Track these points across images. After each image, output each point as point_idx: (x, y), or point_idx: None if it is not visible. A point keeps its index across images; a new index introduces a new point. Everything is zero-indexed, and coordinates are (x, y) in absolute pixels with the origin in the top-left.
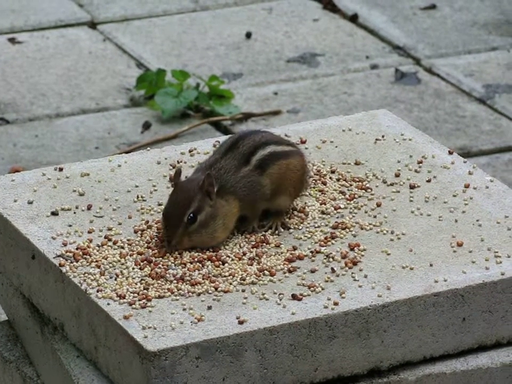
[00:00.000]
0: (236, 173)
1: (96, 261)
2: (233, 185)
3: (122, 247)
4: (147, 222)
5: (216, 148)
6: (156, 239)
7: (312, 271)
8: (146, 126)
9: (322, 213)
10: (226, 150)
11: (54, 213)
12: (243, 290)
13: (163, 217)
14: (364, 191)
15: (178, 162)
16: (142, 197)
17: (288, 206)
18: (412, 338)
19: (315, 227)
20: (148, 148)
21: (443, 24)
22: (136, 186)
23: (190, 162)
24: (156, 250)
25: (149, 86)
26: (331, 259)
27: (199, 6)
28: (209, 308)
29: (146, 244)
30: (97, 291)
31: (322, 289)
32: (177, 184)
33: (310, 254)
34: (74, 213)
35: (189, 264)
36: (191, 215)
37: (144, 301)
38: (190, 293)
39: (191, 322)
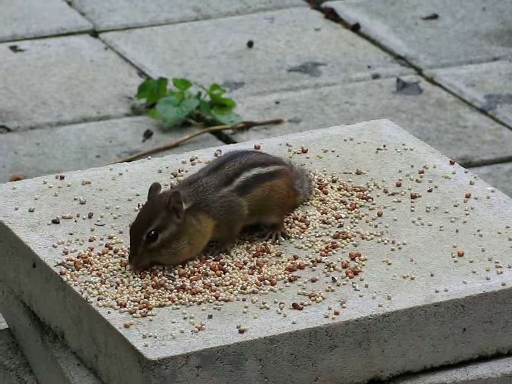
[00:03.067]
0: (215, 192)
1: (97, 270)
2: (209, 205)
3: (123, 256)
4: None
5: (203, 167)
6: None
7: (313, 281)
8: (148, 134)
9: (323, 222)
10: (210, 170)
11: (55, 221)
12: (244, 300)
13: (129, 232)
14: (365, 200)
15: (179, 171)
16: (143, 205)
17: (280, 221)
18: (412, 348)
19: (316, 236)
20: (149, 157)
21: (445, 34)
22: (137, 195)
23: (191, 171)
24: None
25: (151, 95)
26: (332, 268)
27: (201, 15)
28: (210, 316)
29: None
30: (98, 299)
31: (323, 298)
32: (148, 199)
33: (311, 263)
34: (75, 221)
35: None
36: (152, 233)
37: (144, 309)
38: (190, 302)
39: (192, 331)
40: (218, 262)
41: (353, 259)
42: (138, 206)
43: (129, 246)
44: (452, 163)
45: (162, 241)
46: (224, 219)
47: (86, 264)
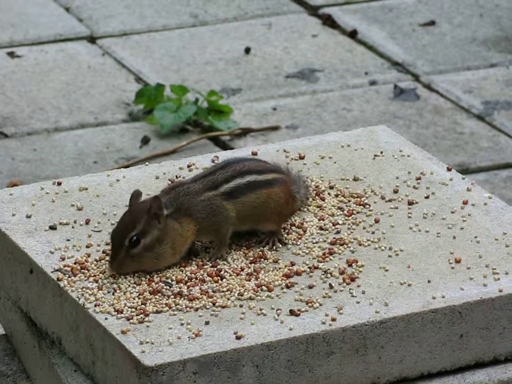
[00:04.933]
0: (196, 196)
1: (94, 276)
2: (190, 208)
3: None
4: None
5: (196, 173)
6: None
7: (310, 287)
8: (145, 140)
9: (321, 228)
10: (200, 177)
11: (52, 227)
12: (241, 306)
13: (110, 237)
14: (362, 207)
15: (176, 177)
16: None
17: (277, 229)
18: (409, 355)
19: (313, 243)
20: (147, 163)
21: (442, 40)
22: None
23: (188, 177)
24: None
25: (148, 101)
26: (329, 275)
27: (198, 21)
28: (207, 323)
29: None
30: (95, 305)
31: (320, 305)
32: (130, 206)
33: (308, 269)
34: (73, 227)
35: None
36: (135, 238)
37: (141, 315)
38: (187, 308)
39: (189, 337)
40: (215, 268)
41: (350, 265)
42: None
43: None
44: (449, 169)
45: (144, 246)
46: (208, 222)
47: (83, 270)
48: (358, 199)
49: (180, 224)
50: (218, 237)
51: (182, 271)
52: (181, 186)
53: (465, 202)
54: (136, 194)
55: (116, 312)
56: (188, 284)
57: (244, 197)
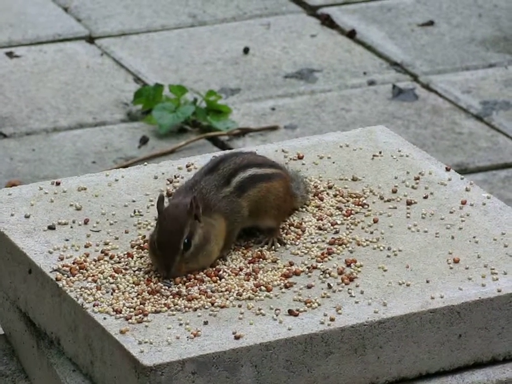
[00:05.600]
0: (218, 193)
1: (93, 276)
2: (217, 204)
3: (119, 262)
4: (144, 236)
5: (196, 171)
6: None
7: (309, 287)
8: (144, 140)
9: (319, 228)
10: (205, 172)
11: (51, 227)
12: (239, 306)
13: (157, 246)
14: (360, 207)
15: (175, 177)
16: (139, 211)
17: (277, 226)
18: (407, 355)
19: (312, 243)
20: (145, 163)
21: (441, 40)
22: (133, 201)
23: (187, 178)
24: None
25: (147, 101)
26: (327, 275)
27: (197, 21)
28: (206, 323)
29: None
30: (94, 305)
31: (319, 305)
32: (163, 211)
33: (307, 269)
34: (71, 227)
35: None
36: (186, 241)
37: (140, 315)
38: (186, 308)
39: (187, 337)
40: (214, 268)
41: (349, 265)
42: (134, 212)
43: (124, 252)
44: (447, 169)
45: (195, 247)
46: (229, 219)
47: (81, 270)
48: (357, 199)
49: (215, 220)
50: (229, 235)
51: None
52: (197, 184)
53: (463, 203)
54: (162, 198)
55: (115, 312)
56: (187, 284)
57: (248, 191)
